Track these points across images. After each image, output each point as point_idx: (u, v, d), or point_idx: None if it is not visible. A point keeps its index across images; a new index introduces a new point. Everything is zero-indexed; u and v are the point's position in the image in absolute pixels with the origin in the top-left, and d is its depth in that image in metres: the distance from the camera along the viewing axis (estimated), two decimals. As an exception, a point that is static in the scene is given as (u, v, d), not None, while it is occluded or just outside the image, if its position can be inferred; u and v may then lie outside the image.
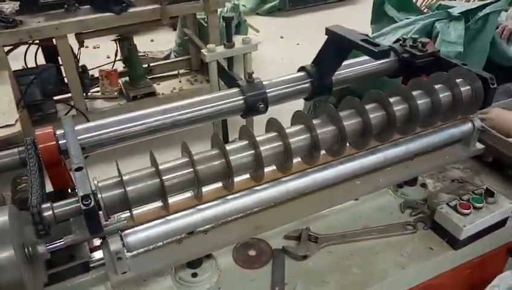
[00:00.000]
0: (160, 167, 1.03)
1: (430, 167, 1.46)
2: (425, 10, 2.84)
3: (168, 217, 1.11)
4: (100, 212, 0.97)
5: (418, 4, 5.40)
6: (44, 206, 0.93)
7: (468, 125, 1.43)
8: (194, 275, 1.24)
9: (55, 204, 0.94)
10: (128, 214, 1.07)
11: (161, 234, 1.09)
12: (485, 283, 1.37)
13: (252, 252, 1.35)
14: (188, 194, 1.15)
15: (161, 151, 1.43)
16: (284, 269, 1.30)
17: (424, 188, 1.55)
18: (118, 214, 1.11)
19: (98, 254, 1.26)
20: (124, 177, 1.00)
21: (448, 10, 2.25)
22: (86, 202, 0.89)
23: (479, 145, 1.48)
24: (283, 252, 1.35)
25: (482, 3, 2.24)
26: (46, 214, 0.93)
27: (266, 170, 1.24)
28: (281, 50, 5.62)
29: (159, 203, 1.10)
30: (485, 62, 2.12)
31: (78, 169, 0.96)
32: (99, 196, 0.96)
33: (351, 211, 1.50)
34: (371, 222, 1.45)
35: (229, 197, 1.17)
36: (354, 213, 1.49)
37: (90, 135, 1.18)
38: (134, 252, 1.09)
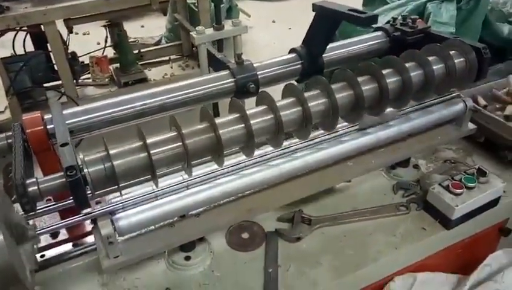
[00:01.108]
0: (148, 141, 1.00)
1: (422, 147, 1.45)
2: (417, -9, 2.81)
3: (160, 201, 1.10)
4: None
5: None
6: (29, 181, 0.91)
7: (460, 105, 1.43)
8: (187, 258, 1.24)
9: (40, 179, 0.93)
10: (119, 198, 1.07)
11: (153, 218, 1.09)
12: (478, 262, 1.39)
13: (245, 235, 1.35)
14: (179, 178, 1.14)
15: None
16: (278, 251, 1.30)
17: (417, 169, 1.55)
18: (109, 198, 1.11)
19: (90, 239, 1.25)
20: (111, 152, 0.98)
21: (441, -9, 2.24)
22: (71, 173, 0.86)
23: (471, 126, 1.48)
24: (276, 235, 1.35)
25: (474, -18, 2.23)
26: (31, 189, 0.91)
27: (259, 151, 1.24)
28: (273, 35, 5.58)
29: (149, 188, 1.09)
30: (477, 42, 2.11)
31: (64, 144, 0.94)
32: (85, 170, 0.94)
33: (344, 192, 1.50)
34: (363, 203, 1.45)
35: (221, 180, 1.17)
36: (346, 195, 1.49)
37: (78, 119, 1.16)
38: (126, 236, 1.08)
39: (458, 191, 1.31)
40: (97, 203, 1.14)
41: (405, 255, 1.32)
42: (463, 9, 2.15)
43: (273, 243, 1.32)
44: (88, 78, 3.90)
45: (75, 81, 3.52)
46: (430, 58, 1.29)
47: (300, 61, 1.46)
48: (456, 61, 1.30)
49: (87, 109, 1.18)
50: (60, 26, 3.33)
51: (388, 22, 1.60)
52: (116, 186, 1.00)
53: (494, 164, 1.58)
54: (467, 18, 2.16)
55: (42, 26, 3.14)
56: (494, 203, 1.39)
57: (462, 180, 1.34)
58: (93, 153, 0.98)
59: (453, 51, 1.33)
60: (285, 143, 1.26)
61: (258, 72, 1.39)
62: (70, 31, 3.56)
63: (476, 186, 1.34)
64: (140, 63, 4.04)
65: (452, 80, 1.32)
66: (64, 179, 0.88)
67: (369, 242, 1.33)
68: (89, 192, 0.95)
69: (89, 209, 1.01)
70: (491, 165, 1.57)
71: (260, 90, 1.39)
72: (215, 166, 1.15)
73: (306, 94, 1.19)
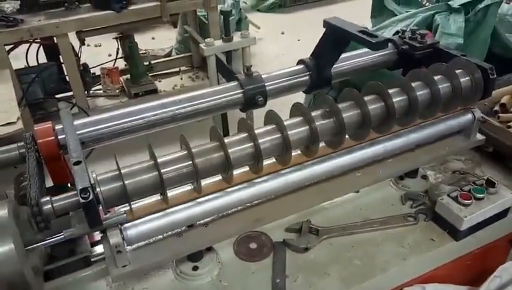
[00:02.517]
0: (159, 160, 1.03)
1: (430, 158, 1.45)
2: (425, 3, 2.82)
3: (168, 211, 1.11)
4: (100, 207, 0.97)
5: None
6: (43, 200, 0.94)
7: (468, 116, 1.43)
8: (195, 268, 1.24)
9: (54, 198, 0.95)
10: (128, 207, 1.08)
11: (161, 227, 1.10)
12: (488, 273, 1.37)
13: (253, 245, 1.35)
14: (188, 187, 1.15)
15: (163, 148, 1.43)
16: (285, 261, 1.30)
17: (425, 180, 1.54)
18: (118, 207, 1.12)
19: (99, 249, 1.26)
20: (123, 171, 1.01)
21: (448, 3, 2.24)
22: (85, 195, 0.89)
23: (480, 136, 1.47)
24: (284, 245, 1.35)
25: (482, -5, 2.23)
26: (45, 207, 0.93)
27: (266, 162, 1.25)
28: (282, 46, 5.61)
29: (158, 197, 1.11)
30: (486, 54, 2.11)
31: (77, 163, 0.96)
32: (97, 189, 0.97)
33: (352, 203, 1.50)
34: (372, 214, 1.45)
35: (229, 190, 1.17)
36: (355, 205, 1.49)
37: (89, 129, 1.18)
38: (135, 246, 1.10)
39: (467, 202, 1.30)
40: (106, 212, 1.15)
41: (413, 266, 1.31)
42: (471, 21, 2.15)
43: (281, 253, 1.32)
44: (99, 89, 3.97)
45: (86, 92, 3.58)
46: (436, 78, 1.30)
47: (308, 73, 1.47)
48: (461, 80, 1.30)
49: (98, 119, 1.20)
50: (73, 38, 3.40)
51: (397, 33, 1.61)
52: (126, 203, 1.02)
53: (504, 174, 1.57)
54: (475, 29, 2.16)
55: (55, 39, 3.21)
56: (503, 214, 1.38)
57: (471, 191, 1.34)
58: (105, 172, 1.01)
59: (459, 70, 1.33)
60: (293, 154, 1.27)
61: (266, 84, 1.40)
62: (82, 43, 3.64)
63: (485, 197, 1.33)
64: (150, 74, 4.10)
65: (458, 99, 1.32)
66: (77, 198, 0.90)
67: (377, 253, 1.32)
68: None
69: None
70: (501, 175, 1.56)
71: (268, 100, 1.41)
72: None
73: (313, 113, 1.20)
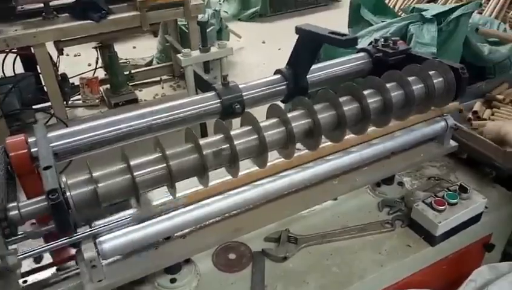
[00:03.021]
0: (132, 163, 1.01)
1: (405, 165, 1.48)
2: (400, 13, 2.88)
3: (144, 223, 1.11)
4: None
5: (395, 7, 5.50)
6: (10, 205, 0.91)
7: (441, 124, 1.46)
8: (173, 280, 1.23)
9: (21, 203, 0.93)
10: (103, 220, 1.07)
11: (137, 240, 1.09)
12: (463, 278, 1.39)
13: (232, 256, 1.35)
14: (164, 199, 1.15)
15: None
16: (264, 271, 1.30)
17: (401, 187, 1.57)
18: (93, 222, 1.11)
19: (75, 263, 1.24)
20: (94, 174, 0.98)
21: (422, 13, 2.30)
22: (53, 197, 0.86)
23: (453, 143, 1.51)
24: (263, 255, 1.35)
25: (453, 5, 2.29)
26: (12, 213, 0.90)
27: (244, 171, 1.26)
28: (263, 55, 5.65)
29: (134, 210, 1.10)
30: (459, 62, 2.16)
31: (47, 168, 0.94)
32: (67, 193, 0.94)
33: (330, 211, 1.51)
34: (349, 221, 1.46)
35: (206, 201, 1.17)
36: (333, 213, 1.50)
37: (64, 141, 1.16)
38: (110, 260, 1.08)
39: (441, 207, 1.33)
40: (81, 226, 1.13)
41: (391, 273, 1.33)
42: (444, 31, 2.21)
43: (259, 263, 1.32)
44: (78, 100, 3.91)
45: (65, 102, 3.53)
46: (410, 79, 1.33)
47: (285, 82, 1.48)
48: (435, 81, 1.33)
49: (73, 131, 1.18)
50: (51, 47, 3.36)
51: (371, 43, 1.64)
52: (99, 209, 1.00)
53: (477, 180, 1.61)
54: (447, 39, 2.22)
55: (32, 48, 3.16)
56: (476, 219, 1.41)
57: (445, 196, 1.36)
58: (76, 176, 0.99)
59: (433, 71, 1.36)
60: (271, 163, 1.28)
61: (243, 93, 1.41)
62: (60, 53, 3.59)
63: (458, 203, 1.36)
64: (131, 84, 4.07)
65: (432, 99, 1.35)
66: (46, 203, 0.88)
67: (355, 260, 1.33)
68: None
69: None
70: (474, 181, 1.59)
71: (246, 110, 1.42)
72: (201, 187, 1.16)
73: (289, 114, 1.21)
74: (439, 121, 1.46)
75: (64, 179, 0.97)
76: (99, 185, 0.97)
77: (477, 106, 1.82)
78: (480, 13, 3.18)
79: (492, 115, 1.79)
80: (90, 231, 1.04)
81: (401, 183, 1.58)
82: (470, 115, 1.80)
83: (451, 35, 2.21)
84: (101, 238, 1.05)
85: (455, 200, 1.35)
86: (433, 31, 2.17)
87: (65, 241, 1.00)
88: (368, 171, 1.41)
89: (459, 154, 1.66)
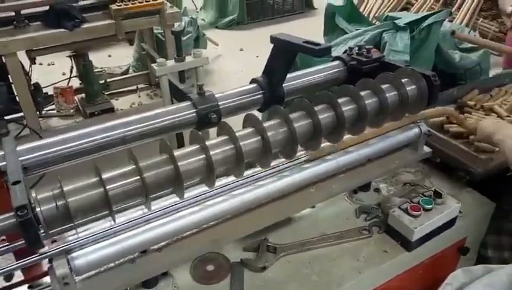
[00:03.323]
0: (104, 176, 0.99)
1: (381, 171, 1.50)
2: (374, 21, 2.94)
3: (119, 237, 1.08)
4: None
5: (369, 16, 5.61)
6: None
7: (415, 130, 1.49)
8: (150, 294, 1.21)
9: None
10: (76, 235, 1.04)
11: (112, 255, 1.06)
12: (439, 282, 1.41)
13: (210, 267, 1.34)
14: (139, 212, 1.13)
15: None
16: (243, 282, 1.29)
17: (378, 193, 1.59)
18: (65, 236, 1.08)
19: (48, 280, 1.20)
20: (65, 188, 0.96)
21: (395, 21, 2.35)
22: (22, 213, 0.83)
23: (427, 149, 1.53)
24: (242, 265, 1.34)
25: (425, 14, 2.35)
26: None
27: (220, 182, 1.25)
28: (241, 62, 5.66)
29: (108, 223, 1.08)
30: (431, 69, 2.22)
31: (15, 183, 0.91)
32: (37, 209, 0.91)
33: (308, 219, 1.51)
34: (327, 228, 1.47)
35: (182, 213, 1.16)
36: (311, 221, 1.51)
37: (33, 155, 1.12)
38: (84, 276, 1.05)
39: (416, 213, 1.35)
40: (53, 242, 1.10)
41: (369, 279, 1.34)
42: (416, 39, 2.26)
43: (238, 274, 1.31)
44: (52, 110, 3.82)
45: (38, 112, 3.45)
46: (383, 86, 1.35)
47: (261, 91, 1.48)
48: (408, 88, 1.36)
49: (43, 144, 1.15)
50: (23, 56, 3.28)
51: (345, 51, 1.66)
52: (72, 224, 0.97)
53: (450, 184, 1.64)
54: (420, 47, 2.27)
55: (3, 58, 3.08)
56: (451, 223, 1.43)
57: (420, 202, 1.39)
58: (46, 191, 0.96)
59: (405, 79, 1.39)
60: (248, 172, 1.27)
61: (219, 103, 1.40)
62: (33, 62, 3.51)
63: (433, 208, 1.38)
64: (107, 93, 4.00)
65: (405, 106, 1.38)
66: (15, 219, 0.85)
67: (333, 268, 1.34)
68: (43, 231, 0.93)
69: (44, 249, 0.98)
70: (448, 185, 1.62)
71: (222, 120, 1.41)
72: (176, 198, 1.14)
73: (265, 124, 1.21)
74: (413, 127, 1.49)
75: (33, 194, 0.94)
76: (71, 199, 0.95)
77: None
78: (451, 21, 3.26)
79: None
80: (62, 246, 1.02)
81: (377, 190, 1.60)
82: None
83: (424, 42, 2.27)
84: (74, 254, 1.02)
85: (430, 206, 1.37)
86: (406, 39, 2.22)
87: (35, 258, 0.97)
88: (344, 179, 1.42)
89: (433, 159, 1.69)
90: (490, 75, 2.47)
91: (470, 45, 2.53)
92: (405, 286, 1.44)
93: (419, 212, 1.35)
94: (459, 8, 5.40)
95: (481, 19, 5.28)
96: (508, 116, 1.79)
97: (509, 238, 1.56)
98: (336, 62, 1.65)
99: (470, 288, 1.28)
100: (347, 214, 1.53)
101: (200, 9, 7.35)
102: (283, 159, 1.33)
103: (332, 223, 1.49)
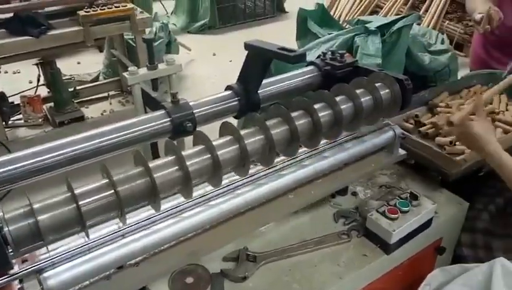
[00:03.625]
0: (76, 191, 0.96)
1: (358, 175, 1.50)
2: (345, 25, 2.97)
3: (93, 253, 1.04)
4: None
5: (340, 19, 5.69)
6: None
7: (390, 133, 1.50)
8: (128, 310, 1.17)
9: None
10: (48, 254, 1.00)
11: (87, 272, 1.02)
12: (418, 282, 1.43)
13: (189, 280, 1.30)
14: (114, 226, 1.09)
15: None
16: (223, 293, 1.27)
17: (355, 197, 1.60)
18: (37, 255, 1.03)
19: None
20: (35, 206, 0.92)
21: (366, 25, 2.38)
22: None
23: (402, 151, 1.55)
24: (222, 276, 1.32)
25: (395, 18, 2.40)
26: None
27: (198, 192, 1.22)
28: (214, 67, 5.62)
29: (81, 240, 1.04)
30: (402, 72, 2.26)
31: None
32: (5, 229, 0.87)
33: (287, 225, 1.50)
34: (307, 234, 1.46)
35: (158, 226, 1.13)
36: (290, 227, 1.50)
37: (0, 170, 1.08)
38: (58, 296, 1.01)
39: (394, 216, 1.36)
40: (23, 261, 1.05)
41: (349, 284, 1.34)
42: (387, 42, 2.30)
43: (219, 285, 1.29)
44: (19, 119, 3.70)
45: (4, 122, 3.33)
46: (358, 91, 1.36)
47: (237, 98, 1.46)
48: (382, 92, 1.38)
49: (9, 159, 1.09)
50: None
51: (319, 57, 1.67)
52: (42, 242, 0.93)
53: (425, 185, 1.67)
54: (391, 50, 2.31)
55: (-35, 68, 2.97)
56: (427, 224, 1.46)
57: (397, 205, 1.40)
58: (15, 209, 0.92)
59: (379, 83, 1.40)
60: (225, 181, 1.26)
61: (194, 111, 1.38)
62: (-3, 71, 3.39)
63: (410, 210, 1.40)
64: (77, 101, 3.90)
65: (380, 110, 1.39)
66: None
67: (314, 274, 1.33)
68: (11, 250, 0.89)
69: (14, 269, 0.94)
70: (422, 186, 1.65)
71: (198, 128, 1.39)
72: (152, 211, 1.12)
73: (242, 132, 1.20)
74: (387, 131, 1.50)
75: (0, 213, 0.90)
76: (41, 217, 0.91)
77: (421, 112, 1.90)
78: (419, 24, 3.34)
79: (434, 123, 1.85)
80: (32, 266, 0.97)
81: (354, 193, 1.61)
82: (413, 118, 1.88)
83: (395, 46, 2.31)
84: (46, 274, 0.97)
85: (407, 208, 1.39)
86: (378, 43, 2.26)
87: (4, 280, 0.92)
88: (322, 184, 1.42)
89: (408, 161, 1.72)
90: (458, 77, 2.54)
91: (438, 48, 2.60)
92: (385, 287, 1.45)
93: (396, 215, 1.36)
94: (426, 10, 5.55)
95: (447, 21, 5.43)
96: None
97: (483, 237, 1.60)
98: (310, 67, 1.65)
99: (448, 288, 1.30)
100: (325, 218, 1.53)
101: (171, 14, 7.28)
102: (261, 167, 1.33)
103: (311, 229, 1.49)
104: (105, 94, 4.18)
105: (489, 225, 1.60)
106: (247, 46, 1.36)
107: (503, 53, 2.34)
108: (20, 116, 3.68)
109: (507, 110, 1.86)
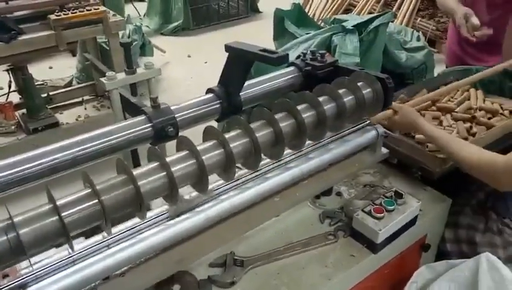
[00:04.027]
0: (59, 203, 0.92)
1: (342, 175, 1.50)
2: (321, 24, 2.99)
3: (78, 265, 1.01)
4: None
5: (314, 18, 5.73)
6: None
7: (372, 133, 1.51)
8: (115, 322, 1.13)
9: None
10: (31, 268, 0.96)
11: (72, 286, 0.98)
12: (405, 279, 1.44)
13: (177, 287, 1.28)
14: (99, 237, 1.06)
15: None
16: (212, 299, 1.25)
17: (340, 197, 1.60)
18: (19, 269, 0.99)
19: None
20: (15, 219, 0.88)
21: (343, 24, 2.40)
22: None
23: (384, 150, 1.56)
24: (209, 282, 1.30)
25: (371, 16, 2.42)
26: None
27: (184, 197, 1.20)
28: (190, 69, 5.57)
29: (65, 252, 1.00)
30: (380, 70, 2.28)
31: None
32: None
33: (273, 228, 1.49)
34: (293, 236, 1.46)
35: (144, 235, 1.10)
36: (276, 230, 1.49)
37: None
38: (41, 312, 0.97)
39: (380, 215, 1.37)
40: (4, 276, 1.01)
41: (338, 284, 1.34)
42: (365, 40, 2.32)
43: (206, 291, 1.27)
44: (-9, 127, 3.57)
45: (-26, 132, 3.21)
46: (340, 91, 1.36)
47: (218, 101, 1.44)
48: (364, 92, 1.38)
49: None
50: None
51: (298, 57, 1.66)
52: (24, 257, 0.89)
53: (408, 183, 1.68)
54: (368, 48, 2.33)
55: None
56: (413, 222, 1.47)
57: (382, 203, 1.41)
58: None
59: (361, 83, 1.41)
60: (211, 186, 1.23)
61: (176, 115, 1.35)
62: (-35, 78, 3.26)
63: (395, 209, 1.41)
64: (50, 106, 3.80)
65: (363, 109, 1.40)
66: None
67: (302, 276, 1.33)
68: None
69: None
70: (406, 184, 1.67)
71: (180, 133, 1.36)
72: (137, 220, 1.09)
73: (227, 135, 1.18)
74: (370, 130, 1.51)
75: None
76: (22, 231, 0.87)
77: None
78: (392, 21, 3.37)
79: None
80: (15, 282, 0.93)
81: (339, 193, 1.61)
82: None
83: (372, 44, 2.33)
84: (30, 289, 0.93)
85: (392, 207, 1.39)
86: (355, 41, 2.27)
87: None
88: (307, 185, 1.41)
89: (390, 160, 1.73)
90: (435, 73, 2.59)
91: (414, 45, 2.64)
92: (373, 286, 1.45)
93: (382, 214, 1.37)
94: (398, 8, 5.64)
95: (419, 18, 5.54)
96: (456, 111, 1.86)
97: (465, 232, 1.62)
98: (291, 68, 1.64)
99: (435, 284, 1.31)
100: (311, 220, 1.53)
101: (144, 16, 7.18)
102: (245, 171, 1.31)
103: (298, 231, 1.48)
104: (80, 99, 4.08)
105: (472, 220, 1.63)
106: (227, 48, 1.34)
107: (478, 49, 2.40)
108: (-8, 124, 3.55)
109: (484, 104, 1.89)
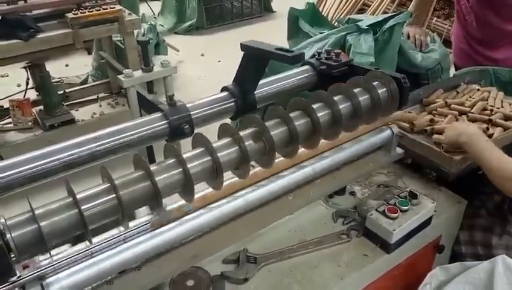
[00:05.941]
0: (78, 196, 0.94)
1: (356, 175, 1.50)
2: (336, 24, 2.97)
3: (95, 258, 1.03)
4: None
5: (328, 18, 5.70)
6: None
7: (387, 132, 1.50)
8: (129, 315, 1.15)
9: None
10: (50, 259, 0.98)
11: (89, 278, 1.00)
12: (418, 280, 1.44)
13: (190, 282, 1.29)
14: (114, 231, 1.07)
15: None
16: (225, 295, 1.26)
17: (353, 196, 1.60)
18: (38, 260, 1.01)
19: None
20: (37, 212, 0.90)
21: (357, 24, 2.38)
22: None
23: (399, 150, 1.56)
24: (222, 278, 1.31)
25: (386, 16, 2.40)
26: None
27: (198, 195, 1.21)
28: (203, 67, 5.60)
29: (83, 245, 1.02)
30: (395, 70, 2.26)
31: None
32: (8, 235, 0.86)
33: (286, 226, 1.50)
34: (306, 235, 1.46)
35: (160, 229, 1.11)
36: (289, 228, 1.50)
37: (-4, 177, 1.05)
38: (59, 303, 0.99)
39: (394, 215, 1.36)
40: (24, 267, 1.03)
41: (351, 284, 1.34)
42: (380, 40, 2.30)
43: (220, 287, 1.28)
44: (9, 123, 3.64)
45: (-7, 127, 3.28)
46: (356, 91, 1.36)
47: (233, 99, 1.45)
48: (379, 91, 1.38)
49: (5, 165, 1.07)
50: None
51: (313, 56, 1.66)
52: (45, 248, 0.92)
53: (422, 183, 1.67)
54: (383, 48, 2.31)
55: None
56: (427, 222, 1.46)
57: (397, 204, 1.40)
58: (16, 216, 0.90)
59: (376, 82, 1.40)
60: (225, 183, 1.24)
61: (191, 112, 1.37)
62: (-16, 75, 3.33)
63: (410, 209, 1.40)
64: (66, 103, 3.86)
65: (378, 109, 1.39)
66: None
67: (315, 275, 1.33)
68: (13, 256, 0.87)
69: (16, 276, 0.92)
70: (420, 185, 1.66)
71: (195, 130, 1.37)
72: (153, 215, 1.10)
73: (241, 133, 1.19)
74: (385, 130, 1.51)
75: (3, 220, 0.88)
76: (43, 223, 0.89)
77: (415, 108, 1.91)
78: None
79: (432, 120, 1.86)
80: (35, 272, 0.95)
81: (352, 193, 1.61)
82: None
83: (387, 44, 2.31)
84: (48, 280, 0.96)
85: (406, 207, 1.39)
86: (370, 41, 2.26)
87: (7, 287, 0.90)
88: (321, 184, 1.41)
89: (404, 160, 1.72)
90: (450, 74, 2.55)
91: (430, 46, 2.61)
92: (385, 286, 1.45)
93: (396, 214, 1.37)
94: (413, 9, 5.58)
95: (435, 18, 5.48)
96: (471, 112, 1.84)
97: (481, 234, 1.61)
98: (306, 67, 1.65)
99: (449, 286, 1.30)
100: (324, 219, 1.53)
101: (158, 15, 7.23)
102: (259, 168, 1.32)
103: (311, 229, 1.48)
104: (95, 96, 4.14)
105: (488, 222, 1.61)
106: (243, 46, 1.34)
107: (485, 47, 2.36)
108: (10, 120, 3.62)
109: (502, 106, 1.87)
